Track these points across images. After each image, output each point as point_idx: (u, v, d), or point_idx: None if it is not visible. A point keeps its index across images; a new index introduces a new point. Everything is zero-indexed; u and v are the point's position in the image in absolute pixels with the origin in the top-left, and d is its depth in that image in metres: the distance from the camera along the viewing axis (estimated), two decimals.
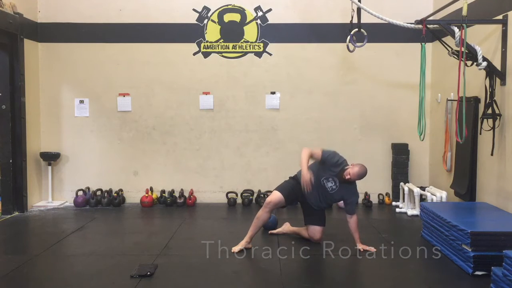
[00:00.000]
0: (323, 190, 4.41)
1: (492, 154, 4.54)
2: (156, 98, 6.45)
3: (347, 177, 4.27)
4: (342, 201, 4.57)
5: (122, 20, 6.37)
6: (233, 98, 6.44)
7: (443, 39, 4.90)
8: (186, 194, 6.42)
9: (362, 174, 4.33)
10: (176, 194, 6.38)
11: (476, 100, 4.90)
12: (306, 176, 4.19)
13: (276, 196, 4.40)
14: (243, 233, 4.40)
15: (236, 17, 6.38)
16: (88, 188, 6.39)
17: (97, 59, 6.41)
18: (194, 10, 6.36)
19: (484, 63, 4.33)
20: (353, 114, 6.43)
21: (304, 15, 6.36)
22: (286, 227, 4.86)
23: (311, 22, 6.36)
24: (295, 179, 4.51)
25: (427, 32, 4.68)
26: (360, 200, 6.05)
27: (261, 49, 6.39)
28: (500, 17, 4.51)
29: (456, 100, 5.18)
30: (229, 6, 6.38)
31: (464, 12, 4.15)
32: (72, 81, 6.43)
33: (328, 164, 4.35)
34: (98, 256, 4.20)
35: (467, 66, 4.44)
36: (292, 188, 4.47)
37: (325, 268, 4.00)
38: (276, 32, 6.37)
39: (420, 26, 4.68)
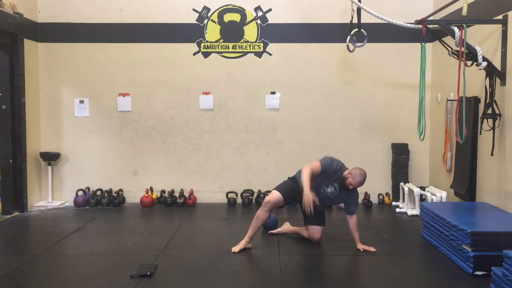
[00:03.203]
0: (323, 195, 4.44)
1: (492, 154, 4.54)
2: (156, 98, 6.45)
3: (350, 187, 4.29)
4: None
5: (122, 20, 6.37)
6: (233, 98, 6.44)
7: (443, 39, 4.90)
8: (186, 194, 6.42)
9: (363, 181, 4.33)
10: (176, 194, 6.38)
11: (476, 100, 4.90)
12: (309, 196, 4.14)
13: (275, 195, 4.39)
14: (243, 233, 4.40)
15: (236, 17, 6.38)
16: (88, 188, 6.39)
17: (97, 59, 6.41)
18: (194, 10, 6.37)
19: (484, 63, 4.33)
20: (353, 114, 6.43)
21: (304, 15, 6.36)
22: (286, 227, 4.86)
23: (311, 22, 6.36)
24: (294, 181, 4.52)
25: (427, 32, 4.68)
26: (360, 200, 6.04)
27: (261, 49, 6.39)
28: (500, 17, 4.51)
29: (456, 100, 5.18)
30: (229, 6, 6.38)
31: (464, 12, 4.15)
32: (72, 81, 6.43)
33: (328, 173, 4.36)
34: (98, 256, 4.19)
35: (467, 66, 4.44)
36: (291, 189, 4.47)
37: (325, 268, 4.00)
38: (276, 32, 6.37)
39: (420, 26, 4.68)
